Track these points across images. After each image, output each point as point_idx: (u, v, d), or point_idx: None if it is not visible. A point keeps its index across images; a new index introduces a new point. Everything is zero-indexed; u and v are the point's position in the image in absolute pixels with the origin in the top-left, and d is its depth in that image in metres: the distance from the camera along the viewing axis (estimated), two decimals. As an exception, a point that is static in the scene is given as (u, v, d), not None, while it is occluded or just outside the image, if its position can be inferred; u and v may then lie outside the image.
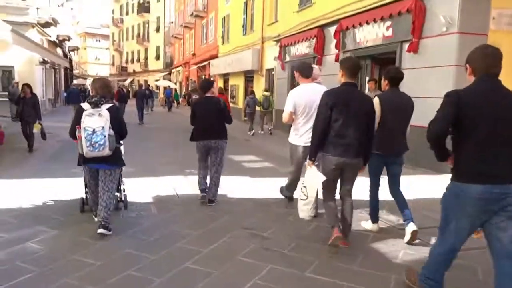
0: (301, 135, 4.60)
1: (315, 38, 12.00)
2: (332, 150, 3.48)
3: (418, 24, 7.91)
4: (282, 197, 5.35)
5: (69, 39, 29.67)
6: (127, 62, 54.22)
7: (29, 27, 18.62)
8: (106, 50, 65.36)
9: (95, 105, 3.83)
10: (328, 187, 3.67)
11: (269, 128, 14.16)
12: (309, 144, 4.49)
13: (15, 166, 7.19)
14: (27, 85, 8.64)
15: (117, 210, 4.71)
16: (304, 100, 4.51)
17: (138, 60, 50.64)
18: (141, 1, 47.49)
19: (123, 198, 4.82)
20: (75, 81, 45.27)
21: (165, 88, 34.27)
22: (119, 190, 4.78)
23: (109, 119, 3.78)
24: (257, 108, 13.95)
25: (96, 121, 3.72)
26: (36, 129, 8.35)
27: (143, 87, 21.89)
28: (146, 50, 48.73)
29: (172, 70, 42.01)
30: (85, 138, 3.68)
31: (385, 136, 3.80)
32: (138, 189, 5.71)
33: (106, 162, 3.90)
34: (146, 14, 46.76)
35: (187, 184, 6.17)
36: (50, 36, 23.00)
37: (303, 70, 4.75)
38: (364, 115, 3.49)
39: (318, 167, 3.69)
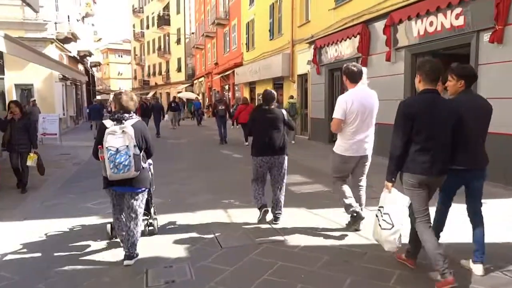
0: (351, 145, 4.15)
1: (358, 36, 10.52)
2: (413, 168, 3.04)
3: (504, 7, 6.33)
4: (366, 241, 3.93)
5: (90, 54, 29.09)
6: (149, 75, 53.99)
7: (48, 43, 17.88)
8: (128, 65, 65.66)
9: (118, 121, 3.51)
10: (420, 209, 3.10)
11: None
12: (360, 154, 4.16)
13: (20, 203, 5.97)
14: (15, 103, 6.58)
15: (147, 236, 4.21)
16: (356, 106, 4.05)
17: (160, 73, 50.26)
18: (161, 14, 47.14)
19: (152, 222, 4.35)
20: (98, 97, 45.16)
21: (188, 100, 33.38)
22: (148, 213, 4.35)
23: (134, 137, 3.45)
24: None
25: (119, 139, 3.38)
26: (30, 160, 6.36)
27: (160, 101, 21.00)
28: (167, 62, 48.27)
29: (194, 81, 41.22)
30: (108, 159, 3.35)
31: (468, 147, 3.15)
32: (168, 231, 4.42)
33: (132, 185, 3.54)
34: (166, 27, 46.32)
35: (227, 222, 4.79)
36: (70, 52, 22.33)
37: (350, 73, 4.19)
38: (451, 126, 3.03)
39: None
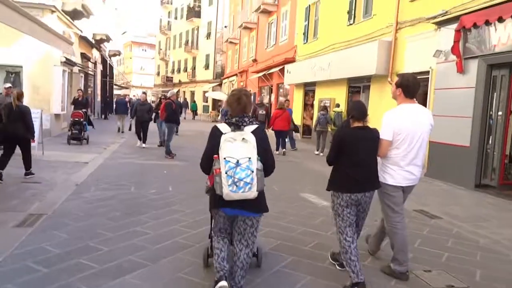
0: (401, 171, 3.39)
1: None
2: None
3: None
4: None
5: (108, 39, 24.43)
6: (173, 72, 49.59)
7: (47, 12, 13.20)
8: (151, 59, 61.59)
9: (237, 126, 2.77)
10: None
11: None
12: (412, 183, 3.47)
13: None
14: None
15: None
16: (405, 125, 3.33)
17: (185, 70, 45.76)
18: (191, 5, 42.65)
19: (256, 252, 3.43)
20: (118, 92, 40.71)
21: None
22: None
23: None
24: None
25: (240, 149, 2.60)
26: None
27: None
28: (194, 58, 43.78)
29: (224, 81, 36.36)
30: (226, 173, 2.55)
31: None
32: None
33: (248, 208, 2.73)
34: (196, 20, 41.93)
35: None
36: (81, 31, 17.71)
37: (408, 86, 3.37)
38: None
39: None
